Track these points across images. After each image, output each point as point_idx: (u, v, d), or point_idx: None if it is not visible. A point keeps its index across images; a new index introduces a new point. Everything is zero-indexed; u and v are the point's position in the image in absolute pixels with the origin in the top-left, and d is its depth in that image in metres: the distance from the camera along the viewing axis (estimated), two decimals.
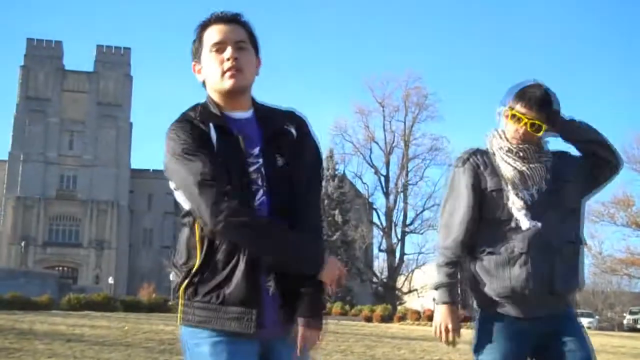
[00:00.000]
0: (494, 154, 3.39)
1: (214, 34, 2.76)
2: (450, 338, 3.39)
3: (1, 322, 18.46)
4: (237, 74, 2.73)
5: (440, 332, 3.41)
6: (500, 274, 3.26)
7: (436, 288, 3.45)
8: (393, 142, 71.50)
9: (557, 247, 3.23)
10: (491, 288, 3.30)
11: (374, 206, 72.73)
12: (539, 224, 3.23)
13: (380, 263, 75.21)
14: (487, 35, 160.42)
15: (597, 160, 3.37)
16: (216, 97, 2.78)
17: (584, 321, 45.99)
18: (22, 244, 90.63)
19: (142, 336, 17.41)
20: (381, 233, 71.80)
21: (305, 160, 2.80)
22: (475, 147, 3.48)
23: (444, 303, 3.42)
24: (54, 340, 15.74)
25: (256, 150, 2.71)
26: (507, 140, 3.37)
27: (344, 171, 67.41)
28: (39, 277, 58.28)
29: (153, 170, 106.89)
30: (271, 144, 2.74)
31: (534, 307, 3.25)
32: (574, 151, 3.49)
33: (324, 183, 39.71)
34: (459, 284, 3.42)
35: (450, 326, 3.38)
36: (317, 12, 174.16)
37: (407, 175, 70.64)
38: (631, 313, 53.23)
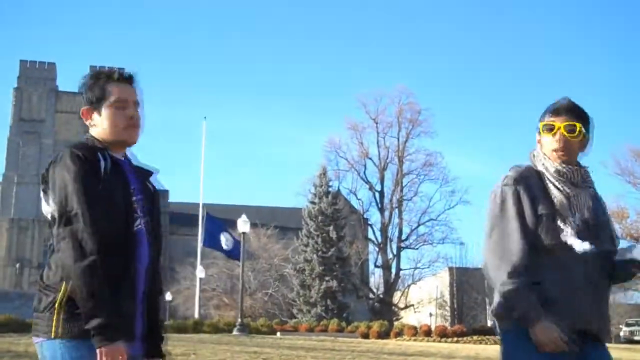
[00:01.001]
0: (542, 172, 3.27)
1: (118, 91, 3.20)
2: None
3: None
4: (137, 130, 3.23)
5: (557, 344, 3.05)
6: (561, 303, 3.13)
7: (519, 317, 3.11)
8: (387, 157, 71.72)
9: (600, 282, 3.22)
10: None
11: (369, 222, 72.81)
12: (593, 248, 3.16)
13: (376, 279, 75.22)
14: (479, 50, 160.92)
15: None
16: (107, 141, 3.21)
17: None
18: (17, 265, 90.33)
19: None
20: (377, 249, 71.87)
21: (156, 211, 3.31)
22: (523, 164, 3.35)
23: (537, 320, 3.06)
24: None
25: (134, 187, 3.15)
26: (550, 158, 3.26)
27: (338, 188, 67.50)
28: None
29: None
30: (144, 186, 3.25)
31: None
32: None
33: (316, 200, 39.67)
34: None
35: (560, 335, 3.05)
36: (306, 29, 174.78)
37: (401, 190, 70.75)
38: (627, 325, 53.16)
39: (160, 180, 3.26)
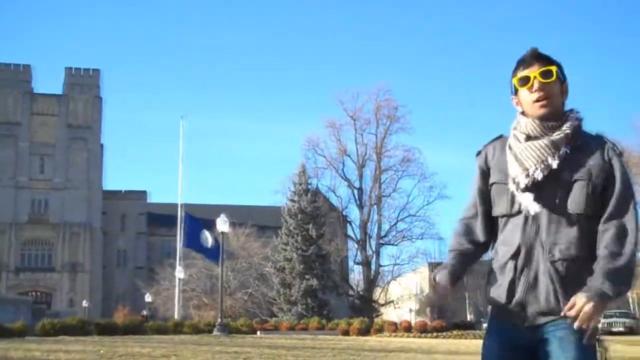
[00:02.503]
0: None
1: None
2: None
3: None
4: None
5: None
6: (496, 278, 3.04)
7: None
8: (365, 154, 71.76)
9: (553, 259, 2.91)
10: (491, 293, 3.09)
11: (348, 219, 72.84)
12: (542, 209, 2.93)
13: (356, 276, 75.35)
14: (455, 45, 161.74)
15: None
16: None
17: None
18: None
19: (118, 359, 17.27)
20: (356, 246, 71.91)
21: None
22: (496, 136, 3.22)
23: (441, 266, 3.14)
24: None
25: None
26: (530, 115, 3.03)
27: (317, 185, 67.48)
28: (13, 304, 57.56)
29: (125, 191, 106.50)
30: None
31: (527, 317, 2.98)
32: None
33: (296, 198, 39.78)
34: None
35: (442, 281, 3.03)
36: (284, 29, 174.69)
37: (380, 187, 70.83)
38: (605, 316, 53.59)
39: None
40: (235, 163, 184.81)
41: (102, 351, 18.51)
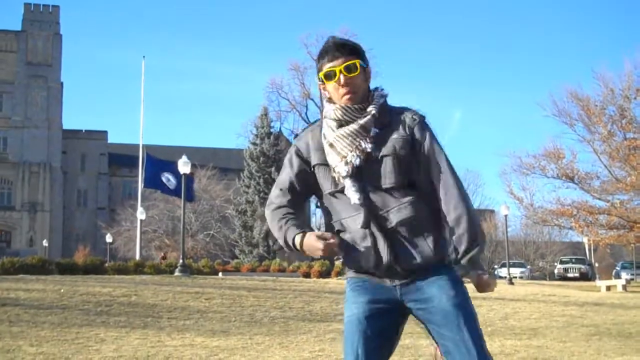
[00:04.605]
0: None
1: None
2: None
3: None
4: None
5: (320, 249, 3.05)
6: (353, 252, 3.16)
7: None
8: None
9: (391, 225, 3.05)
10: (351, 264, 3.26)
11: None
12: (367, 198, 3.07)
13: (317, 219, 75.73)
14: None
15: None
16: None
17: (516, 271, 47.21)
18: None
19: (79, 298, 17.28)
20: None
21: None
22: (315, 120, 3.33)
23: (293, 239, 3.21)
24: None
25: None
26: (337, 104, 3.13)
27: (280, 129, 67.25)
28: None
29: (86, 130, 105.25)
30: None
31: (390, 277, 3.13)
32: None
33: (258, 141, 39.64)
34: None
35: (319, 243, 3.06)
36: None
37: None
38: (561, 262, 54.79)
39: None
40: (199, 105, 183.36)
41: (62, 290, 18.50)
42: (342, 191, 3.11)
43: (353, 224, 3.10)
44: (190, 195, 33.59)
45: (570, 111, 39.04)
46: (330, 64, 3.08)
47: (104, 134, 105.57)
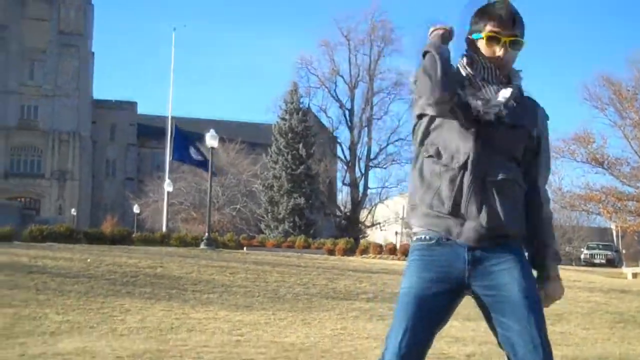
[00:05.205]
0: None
1: None
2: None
3: None
4: None
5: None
6: (431, 184, 3.06)
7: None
8: (358, 76, 71.27)
9: (497, 179, 3.01)
10: (421, 198, 3.10)
11: (338, 140, 72.83)
12: (481, 147, 3.00)
13: (343, 197, 75.73)
14: None
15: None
16: None
17: None
18: None
19: (105, 268, 17.46)
20: (345, 167, 72.19)
21: None
22: None
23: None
24: (15, 272, 15.75)
25: None
26: (481, 60, 3.11)
27: (308, 105, 67.18)
28: (1, 209, 57.82)
29: (115, 100, 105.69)
30: None
31: (462, 232, 3.01)
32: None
33: (287, 116, 39.63)
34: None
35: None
36: None
37: (371, 109, 70.66)
38: (588, 248, 54.39)
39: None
40: (228, 77, 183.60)
41: (89, 260, 18.71)
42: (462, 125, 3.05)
43: (451, 157, 3.04)
44: (207, 166, 33.63)
45: (602, 95, 38.68)
46: (498, 29, 3.08)
47: (133, 104, 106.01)
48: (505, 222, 2.99)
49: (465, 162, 3.00)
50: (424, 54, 2.98)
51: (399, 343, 2.95)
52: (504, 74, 3.13)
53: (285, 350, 8.31)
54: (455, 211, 3.00)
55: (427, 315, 3.01)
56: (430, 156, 3.09)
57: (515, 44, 3.09)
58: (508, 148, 3.07)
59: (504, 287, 2.98)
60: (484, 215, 2.97)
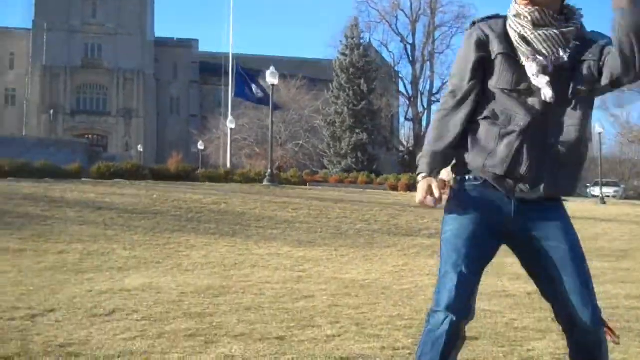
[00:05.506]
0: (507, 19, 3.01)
1: None
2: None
3: (33, 190, 18.91)
4: None
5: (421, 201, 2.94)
6: (486, 146, 2.94)
7: (417, 161, 3.06)
8: (419, 9, 70.18)
9: (555, 142, 2.89)
10: (473, 158, 2.99)
11: (400, 75, 72.17)
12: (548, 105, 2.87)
13: (406, 132, 75.35)
14: None
15: (624, 60, 2.79)
16: None
17: (609, 190, 46.16)
18: (51, 112, 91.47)
19: (171, 204, 17.79)
20: (407, 102, 71.64)
21: None
22: (492, 14, 3.09)
23: (419, 174, 3.00)
24: (84, 208, 16.16)
25: None
26: (517, 3, 2.95)
27: (369, 40, 66.51)
28: (69, 146, 59.07)
29: (177, 39, 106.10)
30: None
31: (513, 189, 2.92)
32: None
33: (347, 52, 39.19)
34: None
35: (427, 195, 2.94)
36: None
37: (433, 43, 69.77)
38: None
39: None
40: (287, 13, 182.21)
41: (155, 196, 19.07)
42: (518, 87, 2.92)
43: (510, 120, 2.91)
44: (268, 102, 33.67)
45: None
46: None
47: (194, 42, 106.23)
48: (562, 190, 2.94)
49: (526, 127, 2.88)
50: None
51: (454, 287, 2.86)
52: (555, 9, 2.93)
53: (346, 286, 8.39)
54: (511, 173, 2.90)
55: (477, 256, 2.93)
56: (486, 117, 2.97)
57: None
58: (572, 96, 2.90)
59: (552, 238, 2.92)
60: (542, 184, 2.89)
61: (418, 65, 70.16)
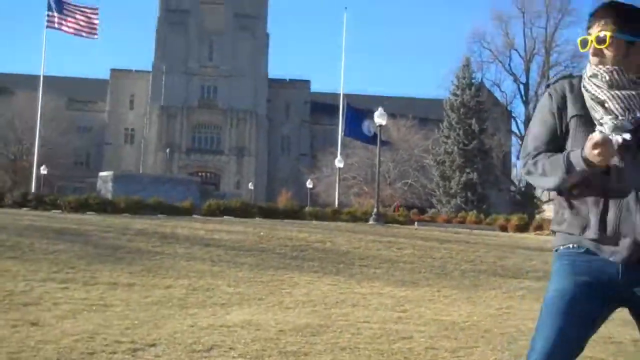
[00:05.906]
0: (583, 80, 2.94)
1: None
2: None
3: (146, 226, 19.53)
4: None
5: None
6: (578, 214, 2.85)
7: (557, 187, 2.88)
8: (534, 49, 69.39)
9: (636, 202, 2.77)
10: (568, 227, 2.90)
11: (513, 114, 71.23)
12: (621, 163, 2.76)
13: (518, 172, 73.99)
14: None
15: None
16: None
17: None
18: (167, 151, 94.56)
19: (277, 242, 18.00)
20: (519, 141, 70.41)
21: None
22: (567, 73, 3.04)
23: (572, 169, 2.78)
24: (193, 244, 16.55)
25: None
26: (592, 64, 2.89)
27: (481, 79, 66.07)
28: (183, 183, 60.58)
29: (289, 79, 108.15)
30: None
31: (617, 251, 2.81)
32: None
33: (459, 92, 39.04)
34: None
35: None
36: None
37: (547, 82, 68.56)
38: None
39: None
40: (398, 52, 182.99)
41: (262, 233, 19.36)
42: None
43: (588, 186, 2.84)
44: (385, 143, 33.81)
45: None
46: (590, 30, 2.89)
47: (306, 83, 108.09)
48: None
49: (603, 191, 2.80)
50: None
51: (550, 345, 2.79)
52: (631, 69, 2.83)
53: (446, 328, 8.26)
54: (604, 237, 2.81)
55: (579, 319, 2.83)
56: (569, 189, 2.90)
57: (599, 40, 2.82)
58: None
59: None
60: (636, 236, 2.77)
61: (531, 105, 69.09)
